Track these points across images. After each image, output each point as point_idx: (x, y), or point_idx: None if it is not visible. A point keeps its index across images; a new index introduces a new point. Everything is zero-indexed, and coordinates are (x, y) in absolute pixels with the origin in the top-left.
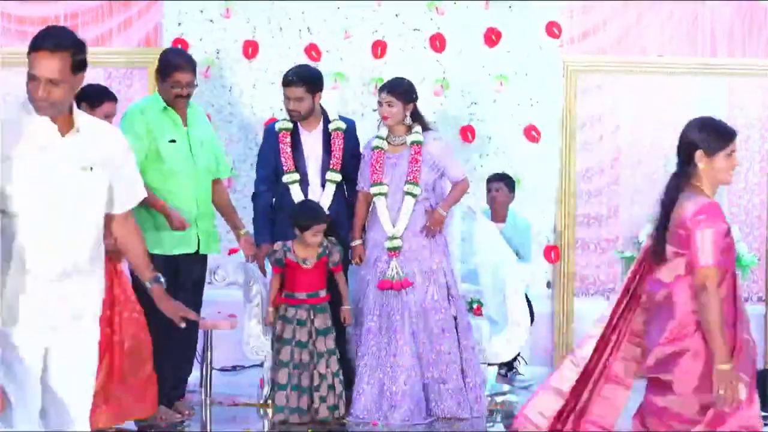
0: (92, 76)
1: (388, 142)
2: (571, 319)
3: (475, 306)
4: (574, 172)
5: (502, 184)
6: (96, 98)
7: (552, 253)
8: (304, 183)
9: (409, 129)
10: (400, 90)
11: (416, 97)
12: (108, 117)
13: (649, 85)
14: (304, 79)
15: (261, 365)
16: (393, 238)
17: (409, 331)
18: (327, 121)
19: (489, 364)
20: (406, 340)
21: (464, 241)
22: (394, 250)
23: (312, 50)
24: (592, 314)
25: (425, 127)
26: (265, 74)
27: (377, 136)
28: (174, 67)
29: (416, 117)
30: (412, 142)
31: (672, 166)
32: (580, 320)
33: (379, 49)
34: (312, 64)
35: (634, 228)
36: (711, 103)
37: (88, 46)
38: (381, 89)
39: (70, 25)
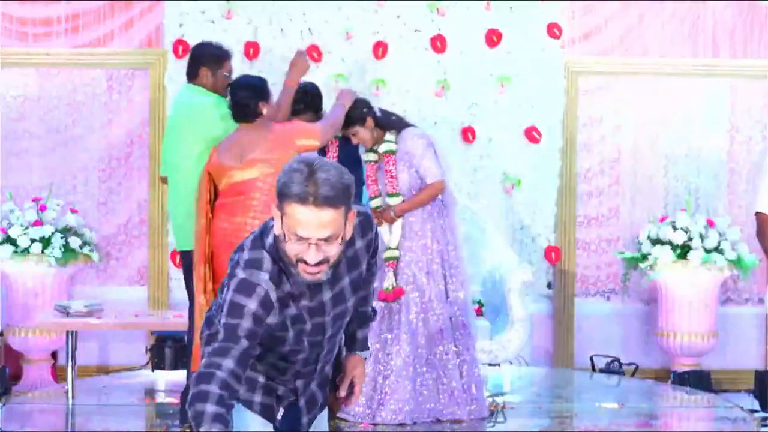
0: (93, 76)
1: (376, 152)
2: (571, 319)
3: (475, 306)
4: (574, 172)
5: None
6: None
7: (552, 253)
8: None
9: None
10: (352, 119)
11: (368, 111)
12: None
13: (651, 86)
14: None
15: None
16: (389, 248)
17: (408, 332)
18: None
19: (489, 365)
20: (403, 341)
21: (464, 242)
22: (391, 261)
23: (313, 51)
24: (592, 315)
25: (403, 126)
26: (267, 75)
27: (368, 149)
28: (227, 55)
29: (383, 123)
30: (384, 152)
31: (672, 166)
32: (580, 321)
33: (380, 50)
34: (313, 65)
35: (634, 228)
36: (713, 105)
37: (88, 47)
38: None
39: (71, 26)
